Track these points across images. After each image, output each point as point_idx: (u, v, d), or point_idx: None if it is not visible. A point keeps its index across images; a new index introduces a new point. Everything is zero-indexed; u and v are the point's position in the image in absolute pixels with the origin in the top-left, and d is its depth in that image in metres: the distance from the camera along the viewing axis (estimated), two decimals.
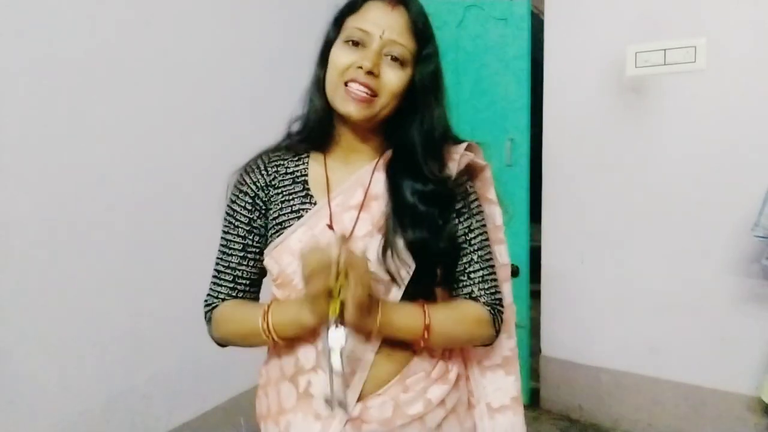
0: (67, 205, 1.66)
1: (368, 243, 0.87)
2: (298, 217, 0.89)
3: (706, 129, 2.09)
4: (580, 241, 2.40)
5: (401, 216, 0.87)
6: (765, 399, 1.97)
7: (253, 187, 0.94)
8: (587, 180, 2.36)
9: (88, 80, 1.70)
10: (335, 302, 0.73)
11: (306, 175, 0.93)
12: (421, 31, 0.87)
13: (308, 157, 0.95)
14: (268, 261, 0.91)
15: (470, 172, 0.96)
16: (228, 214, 0.95)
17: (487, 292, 0.92)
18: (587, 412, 2.44)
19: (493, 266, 0.94)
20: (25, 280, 1.59)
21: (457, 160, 0.91)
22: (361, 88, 0.83)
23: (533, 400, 2.55)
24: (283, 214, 0.90)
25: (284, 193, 0.92)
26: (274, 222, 0.91)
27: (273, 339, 0.84)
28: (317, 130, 0.92)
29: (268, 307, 0.86)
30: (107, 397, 1.80)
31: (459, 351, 0.99)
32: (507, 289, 1.02)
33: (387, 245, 0.85)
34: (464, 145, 0.94)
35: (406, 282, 0.86)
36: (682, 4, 2.08)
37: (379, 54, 0.84)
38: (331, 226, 0.87)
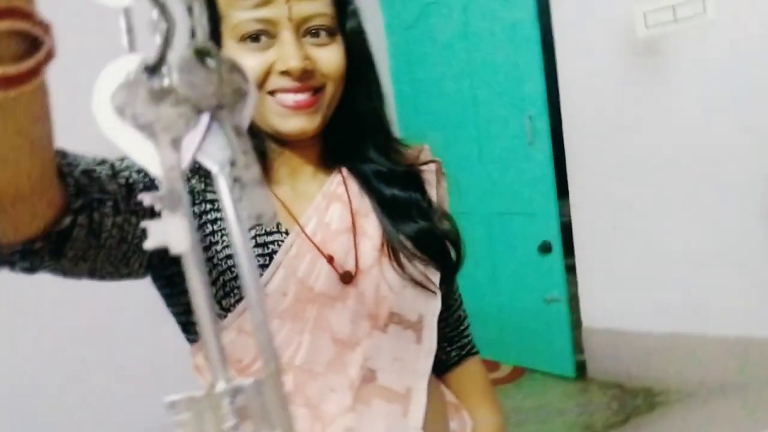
0: None
1: (380, 277, 0.67)
2: (270, 254, 0.63)
3: (724, 80, 2.06)
4: (610, 209, 2.39)
5: (390, 212, 0.70)
6: None
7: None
8: (610, 148, 2.35)
9: (89, 79, 1.76)
10: None
11: None
12: None
13: None
14: (234, 337, 0.62)
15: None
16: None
17: (464, 316, 0.86)
18: (636, 378, 2.44)
19: None
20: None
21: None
22: (299, 95, 0.61)
23: (580, 373, 2.56)
24: None
25: None
26: (228, 262, 0.61)
27: None
28: None
29: None
30: None
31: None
32: None
33: (397, 249, 0.68)
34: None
35: (438, 284, 0.72)
36: None
37: (298, 42, 0.60)
38: (331, 259, 0.65)
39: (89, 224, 0.47)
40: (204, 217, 0.62)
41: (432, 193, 0.75)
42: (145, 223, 0.26)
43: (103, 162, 0.53)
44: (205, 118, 0.28)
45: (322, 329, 0.64)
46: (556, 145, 2.45)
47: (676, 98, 2.17)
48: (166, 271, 0.61)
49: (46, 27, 0.30)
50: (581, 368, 2.58)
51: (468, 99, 2.60)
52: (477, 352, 0.85)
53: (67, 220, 0.45)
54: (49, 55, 0.31)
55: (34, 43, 0.30)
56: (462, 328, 0.83)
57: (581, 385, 2.52)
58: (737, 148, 2.08)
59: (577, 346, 2.58)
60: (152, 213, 0.43)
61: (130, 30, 0.28)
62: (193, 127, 0.28)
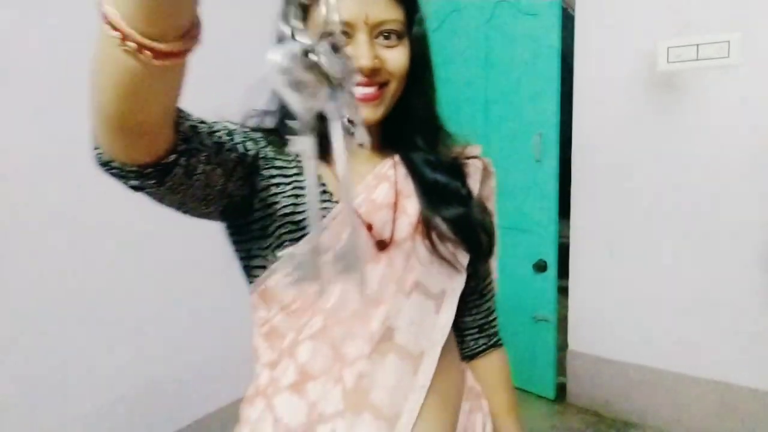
0: (103, 192, 1.72)
1: (411, 250, 0.75)
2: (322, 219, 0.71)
3: (739, 125, 2.06)
4: (609, 236, 2.40)
5: (430, 195, 0.77)
6: None
7: (253, 147, 0.70)
8: (616, 174, 2.35)
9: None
10: None
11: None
12: None
13: None
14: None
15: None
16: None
17: (494, 307, 0.92)
18: (615, 408, 2.44)
19: None
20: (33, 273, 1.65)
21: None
22: (367, 89, 0.71)
23: (560, 395, 2.57)
24: (300, 212, 0.70)
25: (295, 183, 0.72)
26: (285, 219, 0.70)
27: (122, 32, 0.42)
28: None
29: None
30: (132, 390, 1.87)
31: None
32: None
33: (430, 228, 0.76)
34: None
35: (466, 265, 0.79)
36: None
37: (371, 43, 0.70)
38: (370, 228, 0.73)
39: (186, 165, 0.57)
40: (270, 180, 0.71)
41: (474, 186, 0.83)
42: (292, 139, 0.41)
43: (203, 122, 0.64)
44: (332, 87, 0.43)
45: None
46: (564, 165, 2.45)
47: (687, 134, 2.17)
48: (237, 220, 0.72)
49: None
50: (561, 391, 2.58)
51: (480, 109, 2.61)
52: (503, 344, 0.92)
53: (173, 157, 0.56)
54: (196, 42, 0.46)
55: (194, 24, 0.44)
56: (491, 318, 0.91)
57: (559, 407, 2.52)
58: (741, 192, 2.08)
59: (560, 369, 2.59)
60: (230, 174, 0.64)
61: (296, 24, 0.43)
62: (324, 90, 0.42)
